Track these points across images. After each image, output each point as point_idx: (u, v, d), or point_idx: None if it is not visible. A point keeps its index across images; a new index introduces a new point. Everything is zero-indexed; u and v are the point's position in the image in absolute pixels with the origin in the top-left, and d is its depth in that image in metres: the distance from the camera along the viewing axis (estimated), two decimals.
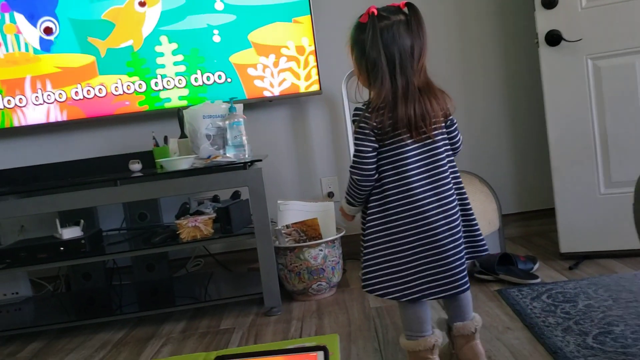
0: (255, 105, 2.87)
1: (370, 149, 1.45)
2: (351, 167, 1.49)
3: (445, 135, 1.51)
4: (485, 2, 2.93)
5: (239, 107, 2.47)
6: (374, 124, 1.44)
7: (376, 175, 1.48)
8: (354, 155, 1.48)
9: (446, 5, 2.93)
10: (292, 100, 2.96)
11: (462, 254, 1.48)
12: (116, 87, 2.78)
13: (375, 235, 1.47)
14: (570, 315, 1.85)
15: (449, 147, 1.53)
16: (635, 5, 2.29)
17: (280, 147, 3.00)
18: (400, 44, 1.41)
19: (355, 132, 1.48)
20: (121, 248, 2.46)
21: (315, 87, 2.82)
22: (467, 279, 1.49)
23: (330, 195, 3.02)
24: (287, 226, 2.48)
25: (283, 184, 2.99)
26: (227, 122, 2.40)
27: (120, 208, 2.86)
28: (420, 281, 1.46)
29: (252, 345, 2.02)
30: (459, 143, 1.57)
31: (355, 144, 1.47)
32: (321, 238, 2.46)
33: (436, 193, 1.46)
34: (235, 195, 2.69)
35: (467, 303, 1.57)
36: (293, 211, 2.57)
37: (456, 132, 1.56)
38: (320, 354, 1.42)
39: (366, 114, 1.45)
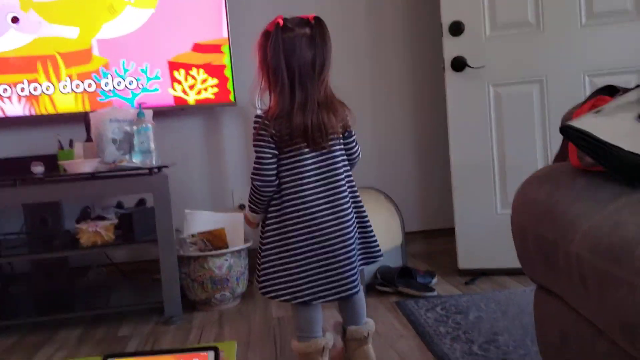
0: (168, 113, 2.83)
1: (270, 155, 1.48)
2: (252, 173, 1.51)
3: (343, 147, 1.56)
4: (397, 25, 3.04)
5: (148, 113, 2.43)
6: (273, 131, 1.47)
7: (276, 181, 1.50)
8: (255, 162, 1.50)
9: (358, 25, 3.02)
10: (206, 111, 2.95)
11: (353, 259, 1.51)
12: (22, 87, 2.67)
13: (271, 240, 1.50)
14: (460, 326, 1.92)
15: (346, 158, 1.57)
16: (534, 38, 2.45)
17: (192, 157, 2.97)
18: (301, 57, 1.45)
19: (255, 139, 1.50)
20: (17, 252, 2.34)
21: (229, 99, 2.82)
22: (357, 283, 1.53)
23: (242, 207, 3.00)
24: (193, 235, 2.44)
25: (193, 194, 2.95)
26: (134, 127, 2.35)
27: (20, 212, 2.72)
28: (311, 284, 1.50)
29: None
30: (356, 155, 1.63)
31: (255, 150, 1.50)
32: (227, 248, 2.44)
33: (331, 200, 1.50)
34: (141, 202, 2.63)
35: (361, 308, 1.60)
36: (200, 220, 2.54)
37: (354, 144, 1.61)
38: (211, 353, 1.40)
39: (265, 122, 1.48)
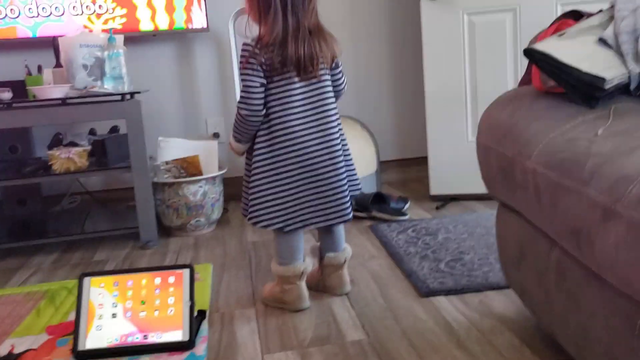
0: (140, 39, 2.78)
1: (258, 84, 1.48)
2: (239, 102, 1.50)
3: (330, 77, 1.56)
4: None
5: (119, 38, 2.38)
6: (263, 59, 1.46)
7: (264, 111, 1.51)
8: (242, 90, 1.49)
9: None
10: (178, 37, 2.90)
11: (345, 187, 1.55)
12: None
13: (261, 170, 1.51)
14: (429, 246, 2.00)
15: (332, 88, 1.58)
16: None
17: (165, 85, 2.94)
18: None
19: (243, 67, 1.48)
20: None
21: (202, 25, 2.77)
22: (349, 209, 1.57)
23: (216, 135, 3.01)
24: (167, 162, 2.46)
25: (167, 122, 2.94)
26: (105, 52, 2.32)
27: None
28: (302, 211, 1.53)
29: None
30: (343, 86, 1.63)
31: (243, 79, 1.48)
32: (202, 175, 2.47)
33: (320, 130, 1.52)
34: (114, 129, 2.62)
35: (340, 236, 1.66)
36: (174, 148, 2.55)
37: (340, 74, 1.61)
38: (187, 271, 1.46)
39: (255, 50, 1.46)
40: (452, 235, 2.11)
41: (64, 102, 2.23)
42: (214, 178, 2.47)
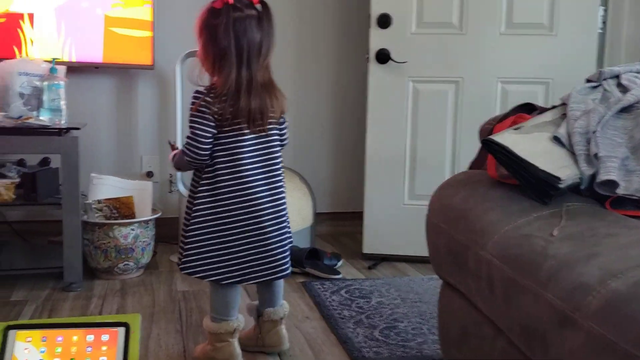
0: (79, 69, 2.68)
1: (209, 134, 1.47)
2: (186, 147, 1.49)
3: (278, 131, 1.57)
4: (325, 13, 3.04)
5: (61, 69, 2.30)
6: (215, 109, 1.45)
7: (208, 159, 1.49)
8: (190, 137, 1.48)
9: (286, 8, 2.99)
10: (120, 71, 2.82)
11: (286, 242, 1.55)
12: None
13: (202, 219, 1.49)
14: (363, 310, 2.01)
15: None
16: (456, 40, 2.55)
17: (101, 118, 2.84)
18: (250, 38, 1.45)
19: (194, 115, 1.47)
20: None
21: (147, 61, 2.71)
22: (289, 265, 1.57)
23: (150, 175, 2.92)
24: (99, 201, 2.36)
25: (99, 157, 2.83)
26: (45, 83, 2.22)
27: None
28: (243, 265, 1.51)
29: (47, 318, 1.89)
30: (286, 140, 1.65)
31: (193, 127, 1.47)
32: (134, 217, 2.38)
33: (268, 183, 1.52)
34: (45, 162, 2.49)
35: (280, 290, 1.64)
36: (107, 186, 2.45)
37: (286, 129, 1.63)
38: (122, 330, 1.39)
39: (207, 99, 1.46)
40: (385, 299, 2.13)
41: None
42: (147, 222, 2.38)
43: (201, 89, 1.48)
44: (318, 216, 2.95)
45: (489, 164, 1.26)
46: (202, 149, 1.46)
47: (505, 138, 1.21)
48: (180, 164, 1.56)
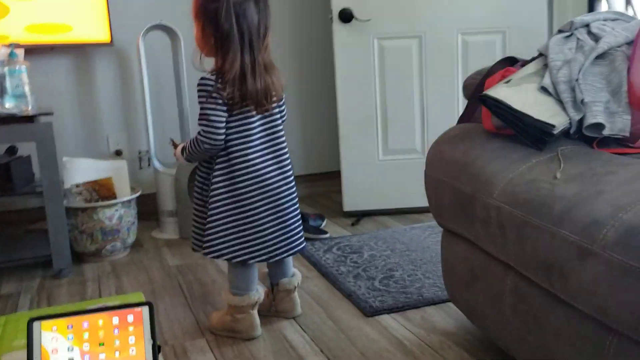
0: (34, 51, 2.59)
1: (223, 119, 1.49)
2: (202, 135, 1.49)
3: (278, 109, 1.60)
4: None
5: (20, 52, 2.22)
6: (225, 94, 1.46)
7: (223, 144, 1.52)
8: (205, 125, 1.48)
9: None
10: (77, 50, 2.74)
11: (298, 215, 1.60)
12: None
13: (221, 204, 1.52)
14: (358, 264, 2.10)
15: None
16: None
17: (62, 100, 2.76)
18: (250, 20, 1.45)
19: (206, 102, 1.48)
20: None
21: (105, 38, 2.65)
22: (303, 236, 1.63)
23: (119, 153, 2.89)
24: (77, 185, 2.33)
25: (64, 140, 2.75)
26: (6, 68, 2.14)
27: None
28: (266, 243, 1.55)
29: (47, 307, 1.89)
30: (285, 116, 1.68)
31: (207, 114, 1.48)
32: (115, 198, 2.37)
33: (277, 162, 1.56)
34: (12, 150, 2.43)
35: (290, 260, 1.70)
36: (81, 169, 2.41)
37: (284, 106, 1.66)
38: (145, 309, 1.42)
39: (218, 85, 1.46)
40: (376, 252, 2.22)
41: None
42: (129, 201, 2.38)
43: (206, 74, 1.48)
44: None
45: (484, 117, 1.34)
46: (219, 134, 1.48)
47: (499, 92, 1.29)
48: (193, 155, 1.55)
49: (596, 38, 1.38)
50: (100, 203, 2.28)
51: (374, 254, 2.20)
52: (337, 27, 2.62)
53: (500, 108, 1.26)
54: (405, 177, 2.75)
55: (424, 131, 2.73)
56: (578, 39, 1.40)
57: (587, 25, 1.43)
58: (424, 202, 2.71)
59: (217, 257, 1.56)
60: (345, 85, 2.69)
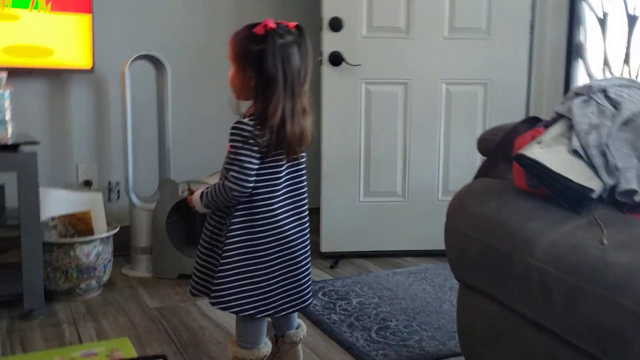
0: (10, 74, 2.43)
1: (255, 167, 1.42)
2: (232, 181, 1.41)
3: (303, 157, 1.55)
4: (279, 16, 2.98)
5: (4, 76, 2.09)
6: (261, 141, 1.40)
7: None
8: (237, 171, 1.41)
9: (241, 12, 2.94)
10: (54, 75, 2.62)
11: (310, 270, 1.54)
12: None
13: (235, 253, 1.44)
14: (349, 312, 2.06)
15: None
16: (404, 43, 2.65)
17: (32, 126, 2.60)
18: (293, 65, 1.40)
19: (242, 148, 1.41)
20: None
21: (86, 64, 2.54)
22: (312, 292, 1.57)
23: (88, 183, 2.75)
24: (53, 218, 2.19)
25: None
26: None
27: None
28: (276, 297, 1.48)
29: (22, 354, 1.74)
30: None
31: (240, 160, 1.40)
32: (93, 233, 2.24)
33: (297, 213, 1.50)
34: None
35: (295, 313, 1.63)
36: (55, 201, 2.28)
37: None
38: None
39: (256, 132, 1.40)
40: (364, 299, 2.19)
41: None
42: (107, 237, 2.25)
43: (243, 118, 1.42)
44: None
45: (517, 175, 1.36)
46: (249, 181, 1.40)
47: (534, 152, 1.31)
48: (216, 202, 1.45)
49: (614, 103, 1.43)
50: (78, 239, 2.15)
51: (362, 301, 2.16)
52: (327, 69, 2.63)
53: (536, 169, 1.28)
54: (385, 219, 2.76)
55: (405, 175, 2.76)
56: (597, 103, 1.44)
57: (604, 90, 1.49)
58: (403, 245, 2.78)
59: (225, 309, 1.48)
60: (331, 126, 2.68)
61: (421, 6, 2.65)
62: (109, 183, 2.80)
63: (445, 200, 2.76)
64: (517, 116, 2.72)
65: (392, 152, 2.74)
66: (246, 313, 1.47)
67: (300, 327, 1.65)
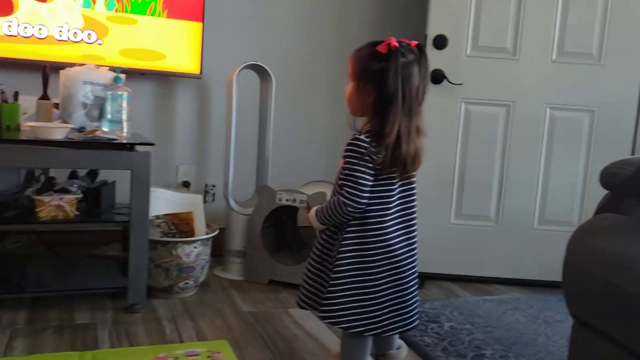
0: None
1: (370, 183, 1.43)
2: (346, 196, 1.42)
3: (415, 178, 1.55)
4: (384, 34, 2.98)
5: (123, 77, 2.20)
6: (377, 159, 1.42)
7: None
8: (351, 187, 1.42)
9: (347, 29, 2.98)
10: (163, 79, 2.73)
11: (417, 291, 1.54)
12: None
13: (348, 268, 1.45)
14: (441, 336, 2.03)
15: None
16: (509, 64, 2.60)
17: (139, 126, 2.72)
18: (412, 84, 1.41)
19: (357, 164, 1.42)
20: None
21: (195, 69, 2.64)
22: (418, 314, 1.57)
23: (186, 184, 2.85)
24: (158, 217, 2.28)
25: None
26: (109, 93, 2.12)
27: None
28: (385, 316, 1.48)
29: (129, 347, 1.81)
30: None
31: (355, 176, 1.42)
32: (193, 234, 2.31)
33: (407, 232, 1.51)
34: (93, 174, 2.38)
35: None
36: (160, 200, 2.36)
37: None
38: None
39: (372, 149, 1.42)
40: (455, 324, 2.15)
41: (62, 143, 1.98)
42: (207, 239, 2.32)
43: (360, 135, 1.44)
44: None
45: None
46: (363, 197, 1.42)
47: None
48: (331, 218, 1.47)
49: None
50: (181, 239, 2.23)
51: (454, 326, 2.13)
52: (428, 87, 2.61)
53: None
54: (475, 243, 2.71)
55: (501, 199, 2.70)
56: None
57: None
58: (492, 272, 2.72)
59: (334, 324, 1.49)
60: (426, 143, 2.65)
61: (530, 28, 2.59)
62: (206, 185, 2.88)
63: (541, 229, 2.70)
64: (624, 146, 2.63)
65: (488, 174, 2.68)
66: (355, 330, 1.47)
67: (402, 348, 1.65)
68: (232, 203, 2.57)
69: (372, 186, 1.44)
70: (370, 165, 1.42)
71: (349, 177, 1.43)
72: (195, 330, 1.99)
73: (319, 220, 1.51)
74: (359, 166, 1.42)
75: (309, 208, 1.56)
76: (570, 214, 2.69)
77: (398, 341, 1.65)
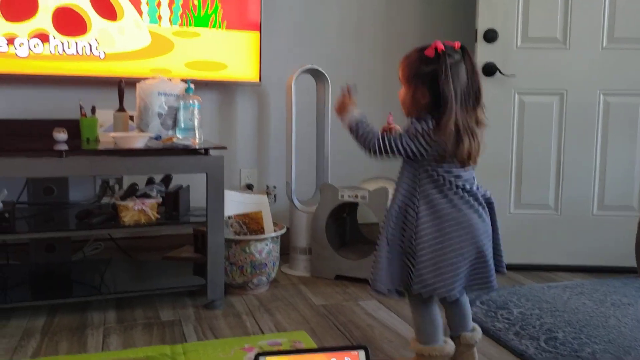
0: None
1: (410, 151, 1.53)
2: (386, 137, 1.54)
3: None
4: (434, 30, 3.11)
5: (193, 87, 2.32)
6: (430, 148, 1.52)
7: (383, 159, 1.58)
8: (397, 137, 1.53)
9: (398, 26, 3.06)
10: (225, 87, 2.86)
11: (492, 258, 1.63)
12: (36, 44, 2.43)
13: (427, 238, 1.54)
14: (512, 321, 2.09)
15: None
16: (560, 54, 2.64)
17: (204, 132, 2.84)
18: (463, 82, 1.51)
19: (414, 135, 1.52)
20: (46, 226, 2.17)
21: (254, 77, 2.76)
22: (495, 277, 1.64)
23: (250, 186, 2.97)
24: (230, 217, 2.40)
25: None
26: (181, 102, 2.25)
27: (20, 179, 2.50)
28: (462, 278, 1.57)
29: (215, 339, 1.93)
30: None
31: (407, 141, 1.52)
32: (263, 232, 2.43)
33: (476, 209, 1.58)
34: (167, 179, 2.52)
35: (469, 313, 1.70)
36: (232, 201, 2.48)
37: None
38: (362, 352, 1.45)
39: (432, 135, 1.51)
40: (524, 310, 2.20)
41: (141, 151, 2.12)
42: (277, 237, 2.43)
43: (430, 122, 1.52)
44: None
45: None
46: (394, 150, 1.53)
47: None
48: (358, 132, 1.60)
49: None
50: (253, 237, 2.34)
51: (523, 312, 2.18)
52: (480, 80, 2.66)
53: None
54: (535, 232, 2.75)
55: (559, 187, 2.73)
56: None
57: None
58: (553, 259, 2.75)
59: (426, 294, 1.57)
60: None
61: (578, 16, 2.63)
62: (267, 187, 3.00)
63: (600, 215, 2.72)
64: None
65: (545, 163, 2.72)
66: (436, 292, 1.55)
67: (476, 330, 1.71)
68: (296, 202, 2.67)
69: (433, 167, 1.54)
70: (424, 140, 1.51)
71: (402, 133, 1.55)
72: (274, 323, 2.09)
73: (348, 122, 1.62)
74: (417, 137, 1.51)
75: (349, 92, 1.65)
76: (629, 198, 2.71)
77: (472, 323, 1.72)
